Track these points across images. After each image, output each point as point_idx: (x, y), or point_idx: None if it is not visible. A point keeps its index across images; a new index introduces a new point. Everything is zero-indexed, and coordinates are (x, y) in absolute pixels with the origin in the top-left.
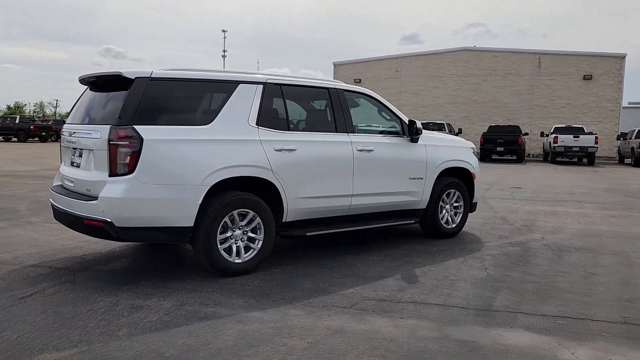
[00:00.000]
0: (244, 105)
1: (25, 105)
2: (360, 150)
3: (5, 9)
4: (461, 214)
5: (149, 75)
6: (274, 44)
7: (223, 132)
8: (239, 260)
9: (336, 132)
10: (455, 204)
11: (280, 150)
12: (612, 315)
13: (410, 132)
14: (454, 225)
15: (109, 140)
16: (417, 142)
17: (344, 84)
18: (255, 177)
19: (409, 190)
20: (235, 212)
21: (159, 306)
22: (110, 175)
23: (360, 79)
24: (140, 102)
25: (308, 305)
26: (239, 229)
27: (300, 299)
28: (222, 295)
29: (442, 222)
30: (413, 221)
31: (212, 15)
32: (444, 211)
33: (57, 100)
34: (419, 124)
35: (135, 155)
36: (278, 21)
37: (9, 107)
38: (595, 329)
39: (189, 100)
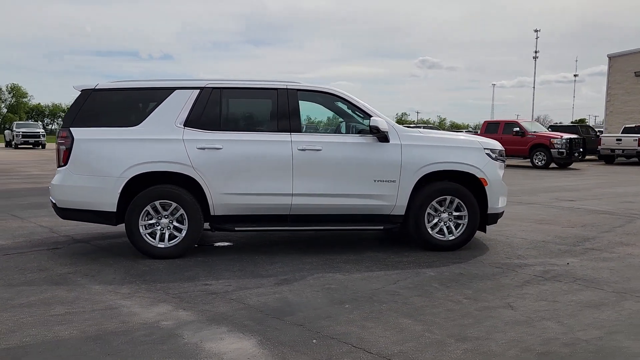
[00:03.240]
0: (174, 108)
1: None
2: (303, 150)
3: (340, 36)
4: (464, 226)
5: (93, 87)
6: (592, 40)
7: (148, 133)
8: (163, 246)
9: (276, 131)
10: (456, 214)
11: (203, 149)
12: None
13: (372, 131)
14: (451, 238)
15: (57, 138)
16: (387, 141)
17: (302, 84)
18: (175, 172)
19: (375, 194)
20: (157, 203)
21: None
22: (58, 167)
23: None
24: (81, 109)
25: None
26: (165, 218)
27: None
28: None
29: (433, 232)
30: (382, 227)
31: (527, 15)
32: (437, 220)
33: None
34: (380, 123)
35: (68, 151)
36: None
37: (328, 118)
38: None
39: (125, 106)
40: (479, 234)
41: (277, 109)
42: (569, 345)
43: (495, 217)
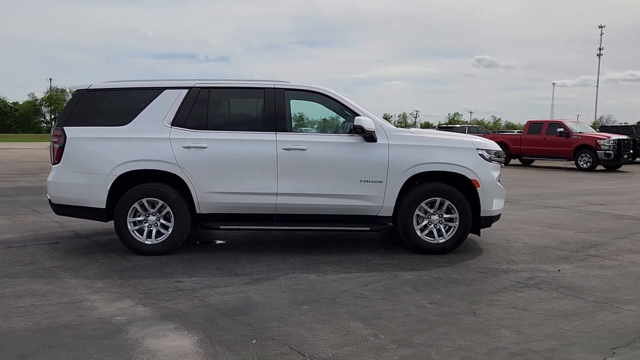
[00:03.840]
0: (163, 108)
1: (391, 116)
2: (288, 149)
3: (393, 35)
4: (455, 229)
5: (87, 87)
6: None
7: (136, 131)
8: (150, 242)
9: (262, 131)
10: (447, 216)
11: (189, 148)
12: None
13: (356, 130)
14: (442, 241)
15: (51, 137)
16: (374, 141)
17: (292, 84)
18: (161, 170)
19: (361, 194)
20: (144, 200)
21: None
22: (52, 164)
23: None
24: (74, 108)
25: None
26: (153, 215)
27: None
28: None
29: (423, 234)
30: (368, 228)
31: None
32: (426, 222)
33: (417, 111)
34: (365, 123)
35: (61, 149)
36: None
37: None
38: None
39: (117, 105)
40: (478, 237)
41: (264, 109)
42: (515, 356)
43: (489, 221)
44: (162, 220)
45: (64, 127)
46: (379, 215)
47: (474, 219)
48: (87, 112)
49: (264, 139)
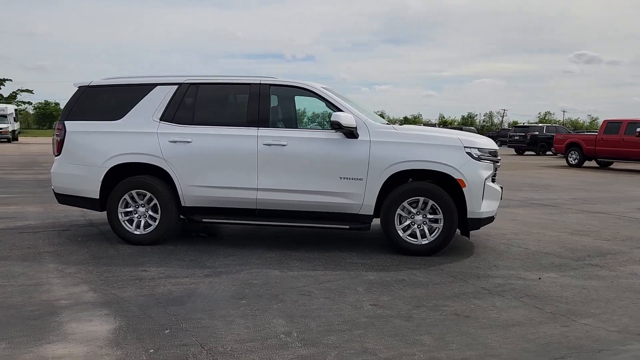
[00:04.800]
0: (153, 103)
1: (476, 115)
2: (269, 145)
3: (484, 31)
4: (439, 230)
5: (87, 84)
6: None
7: (127, 126)
8: (138, 232)
9: (245, 126)
10: (431, 216)
11: (175, 142)
12: None
13: (333, 126)
14: (424, 242)
15: (54, 131)
16: (355, 137)
17: (277, 80)
18: (148, 164)
19: (340, 192)
20: (134, 192)
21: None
22: (55, 156)
23: None
24: (75, 103)
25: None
26: (142, 207)
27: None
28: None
29: (405, 235)
30: (348, 227)
31: None
32: (409, 222)
33: (504, 110)
34: (343, 119)
35: (61, 142)
36: None
37: (462, 117)
38: None
39: (113, 101)
40: (476, 239)
41: (248, 104)
42: None
43: (477, 223)
44: (150, 212)
45: (65, 122)
46: (360, 213)
47: (461, 220)
48: (86, 107)
49: (245, 134)
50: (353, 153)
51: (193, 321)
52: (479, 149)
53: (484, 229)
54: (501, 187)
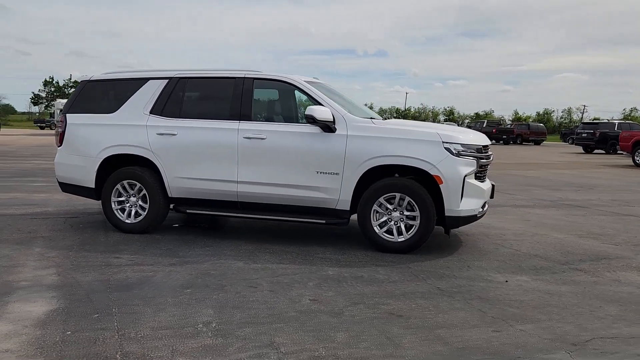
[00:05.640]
0: (145, 97)
1: (553, 111)
2: (249, 138)
3: (565, 23)
4: (415, 227)
5: (89, 78)
6: None
7: (120, 119)
8: (129, 221)
9: (228, 119)
10: (408, 213)
11: (162, 135)
12: None
13: (307, 120)
14: (401, 239)
15: (57, 123)
16: (333, 131)
17: (261, 73)
18: (138, 155)
19: (316, 186)
20: (125, 182)
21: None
22: (58, 147)
23: None
24: (77, 97)
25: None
26: (134, 196)
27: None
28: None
29: (381, 231)
30: (324, 221)
31: None
32: (386, 218)
33: (584, 106)
34: (318, 112)
35: (63, 134)
36: None
37: (537, 114)
38: None
39: (110, 95)
40: (468, 237)
41: (232, 98)
42: (316, 358)
43: (455, 221)
44: (140, 202)
45: (67, 114)
46: (337, 208)
47: (441, 218)
48: (86, 100)
49: (227, 127)
50: (330, 147)
51: (127, 307)
52: (462, 144)
53: (484, 229)
54: (493, 185)
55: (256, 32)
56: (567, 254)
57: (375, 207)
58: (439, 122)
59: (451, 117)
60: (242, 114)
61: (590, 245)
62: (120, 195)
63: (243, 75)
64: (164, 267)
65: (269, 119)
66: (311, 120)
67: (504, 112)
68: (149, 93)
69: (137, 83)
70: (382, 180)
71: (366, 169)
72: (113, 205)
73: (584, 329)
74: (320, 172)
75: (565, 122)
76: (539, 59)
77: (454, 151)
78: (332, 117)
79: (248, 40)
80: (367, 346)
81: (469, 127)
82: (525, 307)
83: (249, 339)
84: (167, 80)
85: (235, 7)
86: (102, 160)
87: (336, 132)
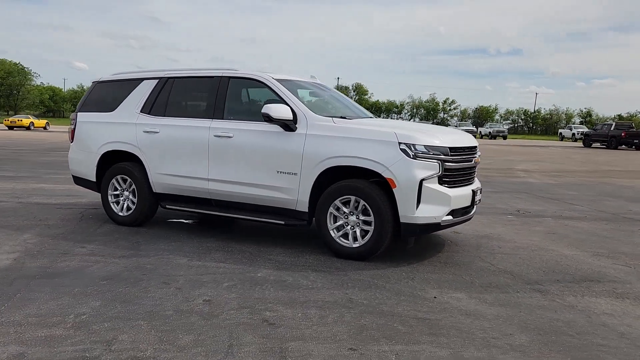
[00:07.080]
0: (139, 96)
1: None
2: (219, 136)
3: None
4: (370, 233)
5: (99, 79)
6: None
7: (117, 117)
8: (122, 214)
9: (203, 117)
10: (363, 218)
11: (148, 132)
12: None
13: (264, 118)
14: (356, 245)
15: (71, 120)
16: (293, 130)
17: (237, 72)
18: (127, 151)
19: (277, 186)
20: (119, 177)
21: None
22: (70, 143)
23: None
24: (88, 97)
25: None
26: (126, 190)
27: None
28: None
29: (337, 235)
30: (283, 222)
31: None
32: (342, 222)
33: None
34: (274, 111)
35: (74, 131)
36: None
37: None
38: None
39: (113, 94)
40: (455, 248)
41: (209, 96)
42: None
43: (412, 228)
44: (131, 196)
45: (78, 113)
46: (296, 209)
47: (396, 224)
48: (95, 100)
49: (201, 125)
50: (289, 146)
51: (31, 293)
52: (424, 145)
53: (485, 240)
54: (474, 191)
55: (381, 33)
56: (548, 273)
57: (332, 210)
58: (568, 124)
59: (588, 119)
60: (215, 112)
61: (593, 265)
62: (115, 189)
63: (220, 74)
64: (111, 259)
65: (241, 118)
66: (267, 118)
67: None
68: (142, 93)
69: (134, 83)
70: (338, 182)
71: (322, 169)
72: (109, 198)
73: (459, 357)
74: (280, 172)
75: None
76: None
77: (411, 153)
78: (291, 116)
79: (373, 42)
80: (198, 352)
81: (588, 129)
82: (421, 326)
83: (94, 334)
84: (157, 80)
85: (361, 8)
86: (101, 155)
87: (296, 131)
